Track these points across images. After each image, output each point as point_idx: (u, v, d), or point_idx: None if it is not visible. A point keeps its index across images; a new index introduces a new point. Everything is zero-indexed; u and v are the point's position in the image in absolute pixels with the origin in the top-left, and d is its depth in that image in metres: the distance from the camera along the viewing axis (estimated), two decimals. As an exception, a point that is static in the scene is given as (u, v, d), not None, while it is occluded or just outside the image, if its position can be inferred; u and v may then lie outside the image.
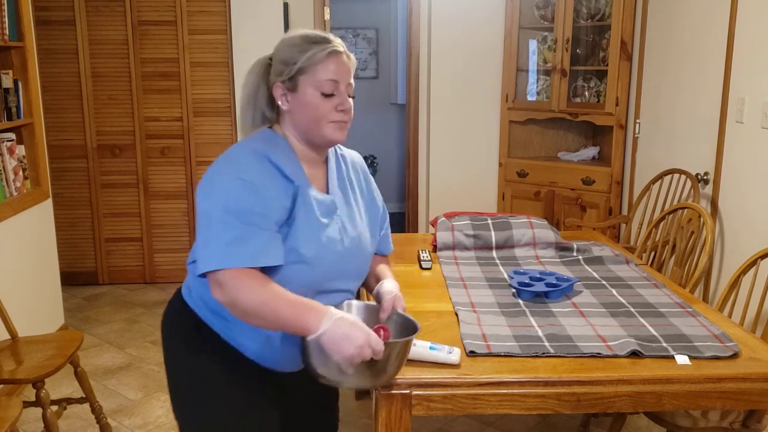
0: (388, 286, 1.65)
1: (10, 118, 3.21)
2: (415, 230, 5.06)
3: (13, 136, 3.23)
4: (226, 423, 1.56)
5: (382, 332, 1.42)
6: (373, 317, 1.58)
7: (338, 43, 1.52)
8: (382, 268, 1.74)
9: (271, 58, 1.56)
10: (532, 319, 1.92)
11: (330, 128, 1.51)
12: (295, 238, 1.46)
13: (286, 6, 4.43)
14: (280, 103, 1.53)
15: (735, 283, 2.26)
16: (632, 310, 1.98)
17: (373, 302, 1.65)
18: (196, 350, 1.57)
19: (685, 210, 2.83)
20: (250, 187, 1.41)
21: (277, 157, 1.49)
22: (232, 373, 1.56)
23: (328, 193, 1.59)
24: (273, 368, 1.59)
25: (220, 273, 1.36)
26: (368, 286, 1.73)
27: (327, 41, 1.51)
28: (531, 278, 2.17)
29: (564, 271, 2.34)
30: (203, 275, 1.40)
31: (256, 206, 1.40)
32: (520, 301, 2.06)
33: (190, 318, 1.58)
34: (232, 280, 1.35)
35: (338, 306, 1.52)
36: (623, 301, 2.06)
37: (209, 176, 1.47)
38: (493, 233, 2.61)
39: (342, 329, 1.35)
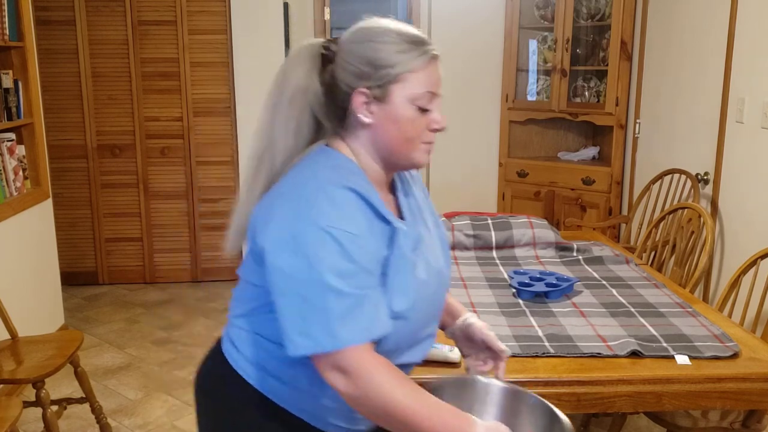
0: (477, 321, 1.39)
1: (10, 118, 3.21)
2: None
3: (13, 136, 3.23)
4: None
5: None
6: (471, 391, 1.29)
7: (435, 46, 1.24)
8: (450, 299, 1.44)
9: (328, 48, 1.21)
10: (532, 319, 1.92)
11: (420, 151, 1.22)
12: (390, 291, 1.15)
13: (286, 6, 4.43)
14: (360, 114, 1.18)
15: (735, 283, 2.26)
16: (632, 310, 1.98)
17: (466, 375, 1.38)
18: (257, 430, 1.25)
19: (685, 210, 2.83)
20: (349, 239, 1.09)
21: (364, 189, 1.15)
22: None
23: (402, 220, 1.26)
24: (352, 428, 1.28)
25: (340, 356, 1.07)
26: (443, 323, 1.43)
27: (427, 42, 1.22)
28: (531, 278, 2.17)
29: (564, 271, 2.34)
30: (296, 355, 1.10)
31: (361, 263, 1.09)
32: (520, 301, 2.06)
33: (246, 391, 1.24)
34: (359, 367, 1.07)
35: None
36: (623, 301, 2.06)
37: (287, 227, 1.10)
38: (493, 233, 2.61)
39: None
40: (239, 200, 1.25)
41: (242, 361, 1.26)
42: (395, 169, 1.27)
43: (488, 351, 1.37)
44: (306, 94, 1.20)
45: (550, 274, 2.21)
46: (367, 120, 1.19)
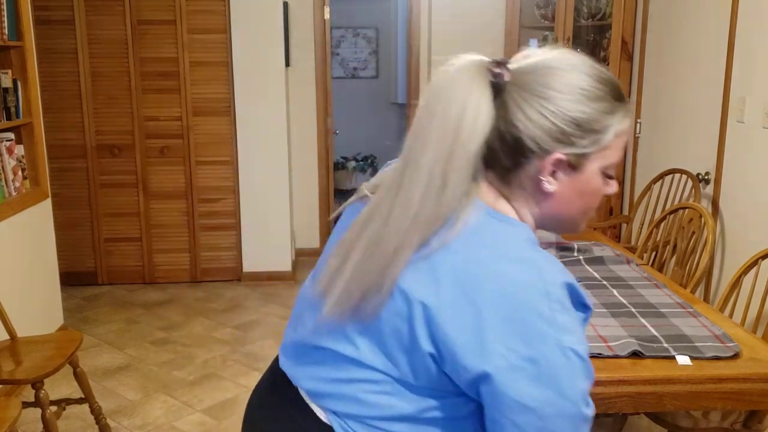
0: None
1: (9, 118, 3.20)
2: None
3: (12, 135, 3.23)
4: None
5: None
6: None
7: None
8: None
9: (498, 75, 0.94)
10: (532, 319, 1.91)
11: (586, 220, 1.04)
12: None
13: (286, 6, 4.42)
14: (545, 182, 0.95)
15: (736, 284, 2.25)
16: (633, 310, 1.98)
17: None
18: None
19: (686, 210, 2.83)
20: (586, 364, 0.93)
21: (572, 278, 0.92)
22: None
23: None
24: None
25: None
26: None
27: (623, 92, 0.98)
28: (531, 278, 2.16)
29: (564, 271, 2.34)
30: None
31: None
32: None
33: None
34: None
35: None
36: (624, 301, 2.06)
37: (521, 347, 0.86)
38: (493, 233, 2.60)
39: None
40: (352, 248, 0.95)
41: None
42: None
43: None
44: (481, 137, 0.91)
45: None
46: (550, 189, 0.95)
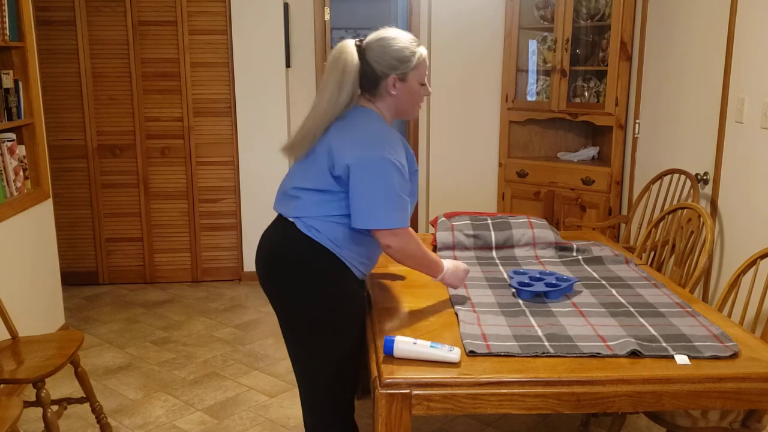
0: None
1: (10, 118, 3.21)
2: (415, 230, 5.04)
3: (13, 136, 3.23)
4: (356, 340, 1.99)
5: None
6: None
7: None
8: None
9: (360, 46, 1.93)
10: (532, 319, 1.92)
11: (417, 109, 2.04)
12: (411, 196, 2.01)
13: (286, 6, 4.43)
14: (391, 90, 1.95)
15: (735, 283, 2.26)
16: (632, 309, 1.99)
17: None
18: (335, 279, 1.94)
19: (685, 210, 2.84)
20: (403, 167, 1.90)
21: (400, 135, 2.00)
22: (360, 293, 2.02)
23: None
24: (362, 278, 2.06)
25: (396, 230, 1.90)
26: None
27: (419, 43, 1.99)
28: (531, 278, 2.18)
29: (564, 271, 2.35)
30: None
31: (407, 183, 1.93)
32: (520, 301, 2.06)
33: (326, 254, 1.92)
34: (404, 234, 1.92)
35: None
36: (623, 301, 2.07)
37: (370, 155, 1.87)
38: (492, 233, 2.61)
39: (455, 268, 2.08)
40: (303, 130, 1.95)
41: (323, 237, 1.91)
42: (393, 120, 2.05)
43: None
44: (354, 72, 1.91)
45: (550, 274, 2.21)
46: (393, 92, 1.96)
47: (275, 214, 2.05)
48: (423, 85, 1.99)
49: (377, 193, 1.85)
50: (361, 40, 1.96)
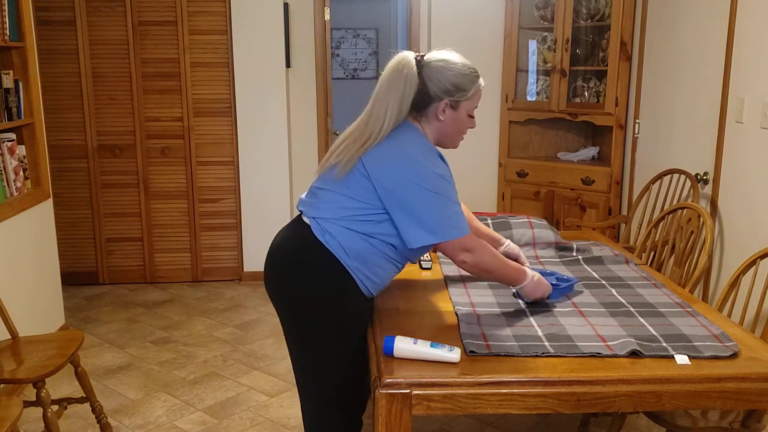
0: (513, 247, 2.36)
1: (10, 118, 3.21)
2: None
3: (13, 136, 3.23)
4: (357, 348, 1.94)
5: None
6: None
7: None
8: (489, 230, 2.44)
9: (419, 61, 1.86)
10: (532, 319, 1.92)
11: (459, 140, 2.00)
12: None
13: (286, 6, 4.43)
14: (440, 116, 1.90)
15: (734, 283, 2.26)
16: (632, 309, 1.99)
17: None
18: (341, 286, 1.88)
19: (685, 210, 2.84)
20: (450, 179, 1.89)
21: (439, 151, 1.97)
22: (364, 307, 1.96)
23: None
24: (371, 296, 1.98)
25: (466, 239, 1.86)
26: None
27: (478, 74, 1.93)
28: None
29: (564, 271, 2.35)
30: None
31: (455, 195, 1.90)
32: (520, 301, 2.06)
33: (334, 263, 1.86)
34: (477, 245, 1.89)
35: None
36: (623, 300, 2.07)
37: (411, 170, 1.82)
38: (493, 233, 2.61)
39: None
40: (341, 146, 1.89)
41: (335, 244, 1.85)
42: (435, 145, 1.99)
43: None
44: (414, 88, 1.86)
45: (550, 274, 2.21)
46: (441, 118, 1.92)
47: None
48: (471, 117, 1.95)
49: (435, 206, 1.81)
50: (421, 55, 1.89)
